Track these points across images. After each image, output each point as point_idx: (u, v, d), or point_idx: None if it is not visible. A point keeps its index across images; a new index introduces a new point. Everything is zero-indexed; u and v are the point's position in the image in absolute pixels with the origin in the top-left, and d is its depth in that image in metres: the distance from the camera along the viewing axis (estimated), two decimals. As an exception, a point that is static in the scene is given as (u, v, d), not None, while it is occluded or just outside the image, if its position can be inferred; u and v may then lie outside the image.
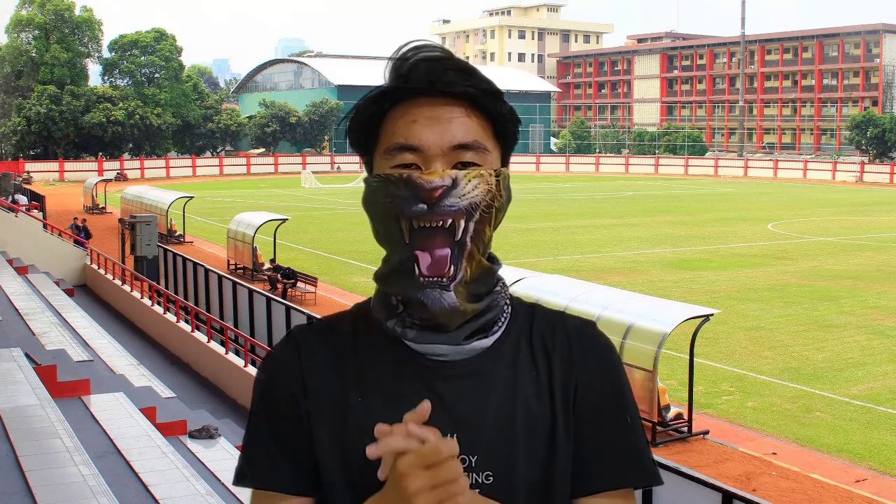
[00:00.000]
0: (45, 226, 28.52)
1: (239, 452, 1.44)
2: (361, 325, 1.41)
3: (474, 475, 1.30)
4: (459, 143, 1.31)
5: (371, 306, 1.42)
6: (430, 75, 1.31)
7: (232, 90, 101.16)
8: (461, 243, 1.31)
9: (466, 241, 1.31)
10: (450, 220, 1.29)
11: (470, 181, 1.29)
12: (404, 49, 1.35)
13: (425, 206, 1.28)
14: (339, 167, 73.92)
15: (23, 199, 34.86)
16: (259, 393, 1.42)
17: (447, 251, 1.30)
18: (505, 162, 1.38)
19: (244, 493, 1.89)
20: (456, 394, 1.33)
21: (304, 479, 1.37)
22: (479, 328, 1.36)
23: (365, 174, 1.40)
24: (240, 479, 1.40)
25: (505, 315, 1.40)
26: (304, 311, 15.99)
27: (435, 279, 1.30)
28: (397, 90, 1.33)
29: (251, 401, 1.43)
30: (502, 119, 1.36)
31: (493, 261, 1.40)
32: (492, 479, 1.31)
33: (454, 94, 1.32)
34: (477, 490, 1.28)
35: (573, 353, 1.39)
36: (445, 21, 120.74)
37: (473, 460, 1.31)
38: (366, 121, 1.36)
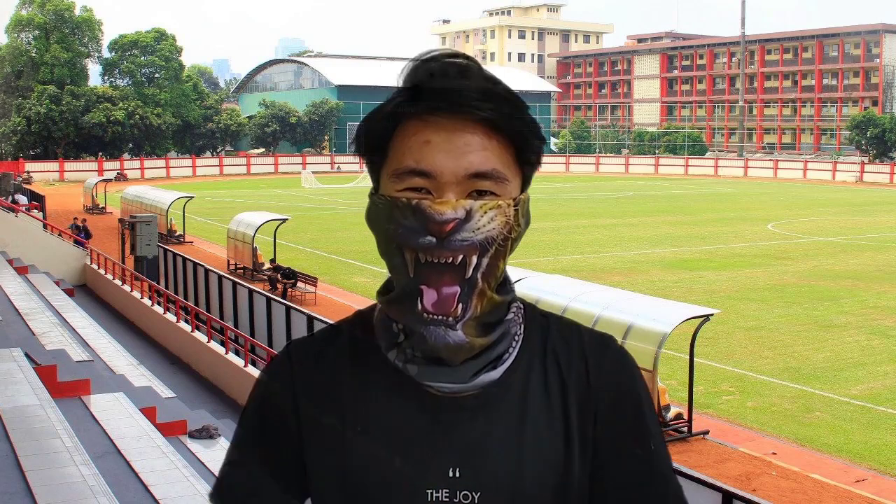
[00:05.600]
0: (45, 226, 28.50)
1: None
2: (361, 342, 1.30)
3: None
4: (477, 171, 1.17)
5: (374, 322, 1.31)
6: (449, 92, 1.17)
7: (232, 90, 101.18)
8: (472, 281, 1.18)
9: (477, 277, 1.18)
10: (461, 256, 1.17)
11: (486, 213, 1.17)
12: (423, 56, 1.22)
13: (434, 240, 1.16)
14: (339, 167, 73.90)
15: (23, 199, 34.85)
16: (251, 408, 1.35)
17: (455, 289, 1.18)
18: (525, 186, 1.25)
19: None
20: (460, 427, 1.24)
21: (282, 499, 1.31)
22: (487, 363, 1.25)
23: (366, 173, 1.28)
24: (214, 497, 1.34)
25: (517, 339, 1.28)
26: (305, 311, 15.97)
27: (439, 317, 1.19)
28: (412, 105, 1.19)
29: (242, 412, 1.37)
30: (525, 141, 1.22)
31: (506, 289, 1.27)
32: None
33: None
34: None
35: (590, 374, 1.29)
36: (445, 21, 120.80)
37: (476, 497, 1.21)
38: (376, 134, 1.23)
